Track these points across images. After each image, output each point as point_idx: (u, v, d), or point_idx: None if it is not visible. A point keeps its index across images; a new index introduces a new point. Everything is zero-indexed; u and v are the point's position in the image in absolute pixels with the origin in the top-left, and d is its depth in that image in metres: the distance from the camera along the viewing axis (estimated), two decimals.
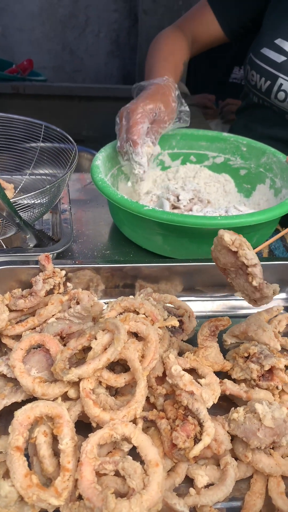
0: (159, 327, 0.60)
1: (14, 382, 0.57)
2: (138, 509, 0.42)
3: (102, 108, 2.08)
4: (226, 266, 0.58)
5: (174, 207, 0.94)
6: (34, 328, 0.65)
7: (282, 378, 0.60)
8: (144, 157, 0.88)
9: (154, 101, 0.92)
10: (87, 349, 0.57)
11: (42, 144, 0.98)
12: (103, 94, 2.09)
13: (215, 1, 1.18)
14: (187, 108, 0.99)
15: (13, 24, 2.98)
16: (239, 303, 0.82)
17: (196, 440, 0.51)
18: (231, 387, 0.58)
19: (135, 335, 0.60)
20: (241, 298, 0.83)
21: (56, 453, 0.50)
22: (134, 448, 0.51)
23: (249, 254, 0.53)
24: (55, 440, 0.50)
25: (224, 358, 0.66)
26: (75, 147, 0.85)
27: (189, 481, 0.52)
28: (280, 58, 1.11)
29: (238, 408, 0.55)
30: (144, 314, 0.61)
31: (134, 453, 0.50)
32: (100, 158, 0.93)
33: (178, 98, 0.98)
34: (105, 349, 0.55)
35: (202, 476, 0.50)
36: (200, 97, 2.03)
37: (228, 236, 0.54)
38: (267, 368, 0.59)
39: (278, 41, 1.11)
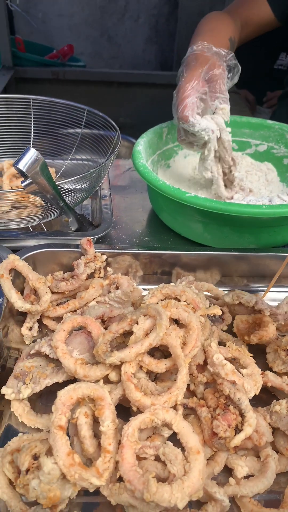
0: (200, 315, 0.59)
1: (56, 362, 0.58)
2: (179, 495, 0.42)
3: (140, 94, 2.07)
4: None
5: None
6: (75, 310, 0.66)
7: None
8: (202, 122, 0.82)
9: (195, 69, 0.84)
10: (127, 333, 0.57)
11: (84, 130, 0.98)
12: (141, 81, 2.07)
13: None
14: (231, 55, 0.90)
15: (53, 9, 2.99)
16: (280, 295, 0.80)
17: (237, 430, 0.50)
18: (273, 379, 0.57)
19: (176, 322, 0.60)
20: (282, 290, 0.82)
21: (96, 435, 0.50)
22: (172, 434, 0.51)
23: (247, 298, 0.66)
24: (95, 422, 0.51)
25: (265, 350, 0.65)
26: (118, 132, 0.85)
27: (226, 470, 0.52)
28: None
29: (280, 400, 0.54)
30: (185, 301, 0.61)
31: (172, 439, 0.50)
32: (142, 144, 0.92)
33: (217, 55, 0.88)
34: (147, 334, 0.54)
35: (242, 466, 0.49)
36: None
37: (228, 298, 0.69)
38: None
39: None
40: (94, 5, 2.97)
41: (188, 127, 0.83)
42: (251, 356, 0.59)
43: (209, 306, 0.63)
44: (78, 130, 0.98)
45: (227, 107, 0.85)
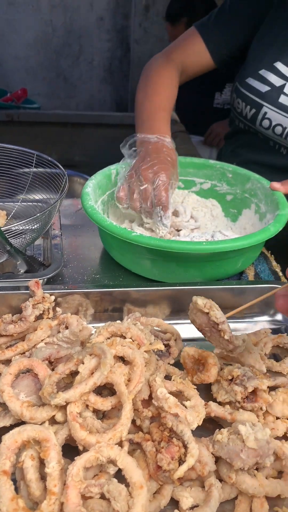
0: (145, 351, 0.62)
1: (3, 406, 0.58)
2: None
3: (94, 134, 2.14)
4: (201, 326, 0.66)
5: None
6: (24, 352, 0.66)
7: (266, 399, 0.61)
8: (169, 220, 0.93)
9: (174, 168, 0.96)
10: (75, 373, 0.59)
11: (34, 170, 1.00)
12: (95, 121, 2.15)
13: (206, 31, 1.22)
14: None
15: (9, 52, 3.08)
16: (239, 325, 0.84)
17: (181, 462, 0.52)
18: (215, 409, 0.60)
19: (122, 359, 0.62)
20: (229, 320, 0.85)
21: (43, 477, 0.51)
22: (121, 470, 0.52)
23: (218, 314, 0.62)
24: (42, 464, 0.51)
25: None
26: (65, 176, 0.88)
27: (175, 503, 0.53)
28: (264, 88, 1.16)
29: (222, 429, 0.56)
30: (130, 338, 0.63)
31: (121, 475, 0.51)
32: (90, 186, 0.96)
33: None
34: (92, 373, 0.56)
35: (187, 497, 0.51)
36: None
37: (200, 300, 0.63)
38: (250, 389, 0.61)
39: (262, 72, 1.16)
40: (49, 48, 3.09)
41: (159, 214, 0.90)
42: (195, 388, 0.62)
43: (154, 341, 0.65)
44: (29, 171, 1.01)
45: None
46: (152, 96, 1.14)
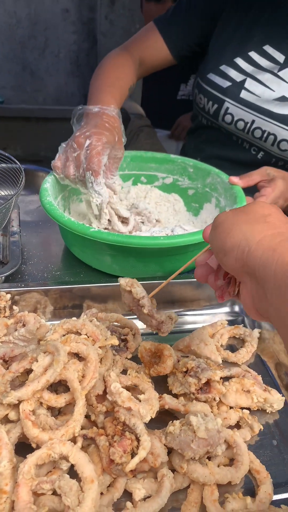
0: (99, 347, 0.62)
1: None
2: None
3: (59, 129, 2.11)
4: (130, 306, 0.67)
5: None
6: None
7: (219, 389, 0.63)
8: (104, 187, 0.90)
9: (111, 133, 0.93)
10: (30, 371, 0.59)
11: None
12: (60, 116, 2.13)
13: (164, 26, 1.23)
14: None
15: None
16: (187, 319, 0.86)
17: (134, 454, 0.53)
18: (169, 402, 0.61)
19: (78, 355, 0.62)
20: (189, 313, 0.87)
21: None
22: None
23: (138, 290, 0.64)
24: None
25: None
26: (22, 171, 0.87)
27: (128, 495, 0.54)
28: (226, 84, 1.17)
29: (175, 421, 0.57)
30: (86, 334, 0.64)
31: (75, 471, 0.52)
32: (49, 181, 0.95)
33: (123, 131, 0.99)
34: (46, 370, 0.56)
35: (140, 489, 0.52)
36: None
37: (123, 280, 0.65)
38: (204, 381, 0.62)
39: (223, 68, 1.18)
40: (14, 40, 3.01)
41: (90, 180, 0.88)
42: (149, 381, 0.63)
43: (110, 336, 0.66)
44: None
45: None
46: (101, 76, 1.13)
